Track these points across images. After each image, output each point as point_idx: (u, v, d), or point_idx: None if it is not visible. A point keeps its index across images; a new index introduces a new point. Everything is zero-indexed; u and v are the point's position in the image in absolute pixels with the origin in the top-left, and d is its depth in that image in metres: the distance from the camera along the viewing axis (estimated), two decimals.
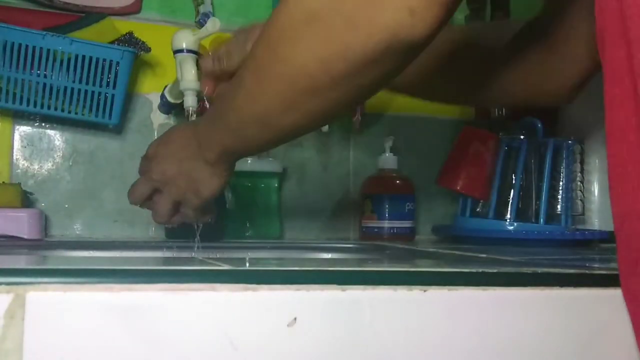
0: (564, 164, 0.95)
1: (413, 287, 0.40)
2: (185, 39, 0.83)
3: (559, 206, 0.94)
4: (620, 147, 0.40)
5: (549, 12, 0.67)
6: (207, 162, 0.61)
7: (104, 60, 0.89)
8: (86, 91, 0.90)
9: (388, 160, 1.03)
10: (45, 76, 0.88)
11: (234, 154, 0.61)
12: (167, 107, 0.97)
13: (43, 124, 0.95)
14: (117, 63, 0.90)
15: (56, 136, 0.96)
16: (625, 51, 0.38)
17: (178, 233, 0.92)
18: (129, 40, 0.95)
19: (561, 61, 0.66)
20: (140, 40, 0.95)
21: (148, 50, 0.96)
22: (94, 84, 0.90)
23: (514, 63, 0.68)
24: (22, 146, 0.95)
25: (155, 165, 0.66)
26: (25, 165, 0.95)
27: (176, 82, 0.87)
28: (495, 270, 0.44)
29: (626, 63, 0.38)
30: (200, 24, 1.00)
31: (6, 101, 0.88)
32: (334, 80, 0.45)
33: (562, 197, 0.94)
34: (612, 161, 0.40)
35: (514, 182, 0.95)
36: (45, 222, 0.87)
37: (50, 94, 0.89)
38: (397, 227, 1.00)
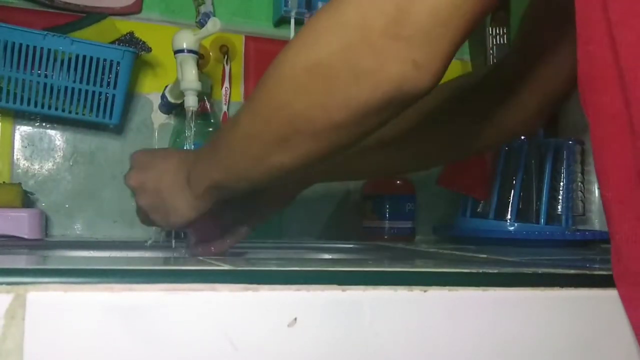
0: (564, 165, 0.95)
1: (413, 287, 0.40)
2: (186, 39, 0.83)
3: (559, 207, 0.94)
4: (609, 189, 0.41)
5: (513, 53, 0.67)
6: (191, 195, 0.60)
7: (105, 60, 0.89)
8: (87, 91, 0.90)
9: None
10: (46, 76, 0.88)
11: (223, 190, 0.59)
12: (167, 107, 0.97)
13: (44, 124, 0.96)
14: (118, 63, 0.90)
15: (57, 136, 0.96)
16: (610, 97, 0.39)
17: (179, 234, 0.92)
18: (129, 40, 0.95)
19: (522, 99, 0.66)
20: (141, 40, 0.95)
21: (149, 50, 0.96)
22: (94, 84, 0.90)
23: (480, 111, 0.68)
24: (22, 146, 0.95)
25: (136, 173, 0.64)
26: (26, 165, 0.95)
27: (177, 82, 0.87)
28: (495, 271, 0.44)
29: (619, 105, 0.39)
30: (201, 24, 1.00)
31: (7, 101, 0.88)
32: (335, 126, 0.46)
33: (562, 197, 0.94)
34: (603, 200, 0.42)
35: (514, 182, 0.95)
36: (45, 222, 0.87)
37: (51, 94, 0.89)
38: (397, 228, 1.00)
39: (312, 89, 0.45)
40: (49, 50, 0.87)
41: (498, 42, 1.11)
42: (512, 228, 0.92)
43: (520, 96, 0.65)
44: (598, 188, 1.00)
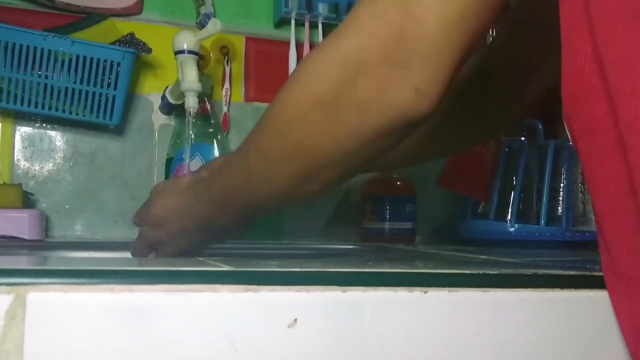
0: (565, 166, 0.95)
1: (414, 288, 0.40)
2: (186, 40, 0.83)
3: (559, 208, 0.94)
4: (599, 201, 0.41)
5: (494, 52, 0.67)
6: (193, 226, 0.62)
7: (105, 61, 0.89)
8: (87, 92, 0.90)
9: None
10: (46, 77, 0.88)
11: (212, 223, 0.61)
12: (168, 108, 0.97)
13: (44, 125, 0.96)
14: (118, 64, 0.90)
15: (57, 137, 0.96)
16: (607, 109, 0.39)
17: None
18: (130, 41, 0.95)
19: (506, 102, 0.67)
20: (141, 41, 0.95)
21: (149, 51, 0.96)
22: (95, 85, 0.90)
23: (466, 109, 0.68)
24: (23, 147, 0.95)
25: (156, 227, 0.64)
26: (26, 165, 0.95)
27: (177, 83, 0.87)
28: (496, 272, 0.44)
29: (607, 120, 0.39)
30: (202, 25, 1.00)
31: (7, 102, 0.88)
32: (347, 155, 0.47)
33: (563, 198, 0.94)
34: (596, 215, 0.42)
35: (514, 183, 0.95)
36: (45, 223, 0.87)
37: (51, 94, 0.89)
38: (397, 229, 1.00)
39: (322, 124, 0.46)
40: (50, 51, 0.87)
41: None
42: (513, 229, 0.92)
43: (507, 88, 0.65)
44: None
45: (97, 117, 0.92)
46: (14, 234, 0.80)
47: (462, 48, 0.43)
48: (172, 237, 0.62)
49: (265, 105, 1.06)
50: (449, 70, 0.43)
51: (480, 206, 0.98)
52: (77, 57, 0.88)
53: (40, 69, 0.87)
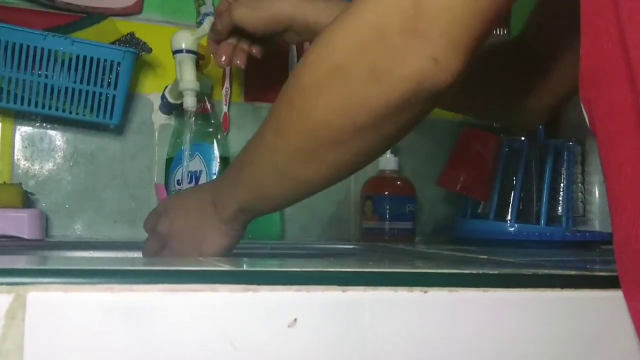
0: (565, 166, 0.95)
1: (414, 288, 0.40)
2: (184, 40, 0.83)
3: (559, 208, 0.94)
4: (616, 183, 0.40)
5: (531, 29, 0.67)
6: (220, 220, 0.58)
7: (105, 60, 0.89)
8: (87, 92, 0.90)
9: (389, 161, 1.03)
10: (46, 76, 0.88)
11: (251, 212, 0.58)
12: (168, 108, 0.97)
13: (44, 125, 0.96)
14: (118, 63, 0.90)
15: (57, 136, 0.96)
16: (628, 89, 0.38)
17: None
18: (130, 40, 0.95)
19: (545, 81, 0.66)
20: (141, 40, 0.95)
21: (149, 50, 0.96)
22: (95, 85, 0.90)
23: (504, 79, 0.68)
24: (23, 146, 0.95)
25: (164, 218, 0.63)
26: (26, 165, 0.95)
27: (176, 83, 0.87)
28: (496, 272, 0.44)
29: (629, 100, 0.38)
30: (202, 25, 1.00)
31: (7, 101, 0.88)
32: (358, 131, 0.45)
33: (562, 198, 0.94)
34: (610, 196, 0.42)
35: (514, 183, 0.95)
36: (45, 223, 0.87)
37: (52, 94, 0.89)
38: (397, 228, 1.00)
39: (332, 93, 0.45)
40: (50, 50, 0.87)
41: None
42: (512, 229, 0.92)
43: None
44: (598, 189, 1.00)
45: (97, 116, 0.92)
46: (14, 234, 0.80)
47: (484, 18, 0.41)
48: (180, 236, 0.61)
49: (265, 105, 1.06)
50: (470, 41, 0.42)
51: (480, 206, 0.98)
52: (77, 57, 0.88)
53: (40, 69, 0.87)
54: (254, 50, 0.76)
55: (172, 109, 0.97)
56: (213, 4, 1.03)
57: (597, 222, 1.01)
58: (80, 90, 0.89)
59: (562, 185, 0.94)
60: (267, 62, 1.07)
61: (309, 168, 0.49)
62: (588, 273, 0.46)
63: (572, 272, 0.46)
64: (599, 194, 1.00)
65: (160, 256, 0.63)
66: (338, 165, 0.49)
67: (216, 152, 0.93)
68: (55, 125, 0.96)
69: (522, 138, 0.95)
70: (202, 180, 0.92)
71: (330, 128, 0.46)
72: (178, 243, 0.62)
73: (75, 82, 0.89)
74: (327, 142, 0.47)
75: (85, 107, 0.91)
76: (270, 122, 0.51)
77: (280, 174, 0.51)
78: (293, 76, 0.48)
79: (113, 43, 0.93)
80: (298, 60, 1.04)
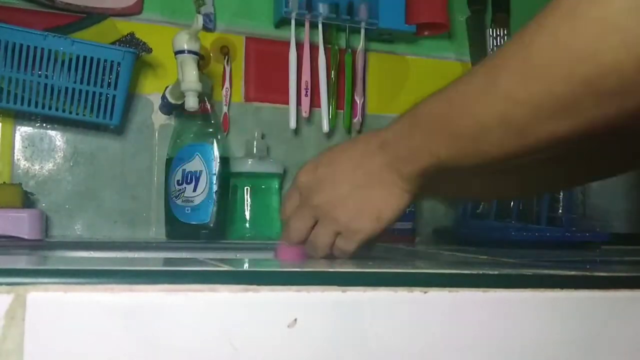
0: None
1: (414, 288, 0.40)
2: (187, 40, 0.83)
3: (560, 208, 0.94)
4: None
5: None
6: (400, 177, 0.50)
7: (105, 61, 0.89)
8: (87, 92, 0.90)
9: None
10: (46, 77, 0.88)
11: (441, 171, 0.49)
12: (168, 108, 0.97)
13: (44, 125, 0.96)
14: (119, 64, 0.90)
15: (57, 137, 0.96)
16: None
17: (179, 234, 0.93)
18: (130, 41, 0.95)
19: None
20: (141, 41, 0.95)
21: (149, 51, 0.96)
22: (95, 85, 0.90)
23: None
24: (23, 147, 0.95)
25: (317, 191, 0.54)
26: (26, 165, 0.95)
27: (177, 83, 0.87)
28: (496, 272, 0.44)
29: None
30: (202, 25, 1.00)
31: (7, 102, 0.88)
32: (635, 82, 0.38)
33: (563, 199, 0.94)
34: None
35: None
36: (45, 223, 0.87)
37: (52, 94, 0.89)
38: (397, 229, 1.00)
39: (629, 31, 0.36)
40: (50, 50, 0.87)
41: (499, 43, 1.11)
42: (513, 229, 0.92)
43: None
44: (598, 189, 1.00)
45: (97, 117, 0.92)
46: (14, 234, 0.80)
47: None
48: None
49: (265, 105, 1.06)
50: None
51: (480, 206, 0.98)
52: (77, 57, 0.88)
53: (40, 69, 0.87)
54: None
55: (172, 109, 0.97)
56: (213, 4, 1.03)
57: (598, 222, 1.01)
58: (80, 91, 0.89)
59: None
60: (267, 62, 1.07)
61: (557, 126, 0.41)
62: (588, 273, 0.46)
63: (572, 272, 0.46)
64: (600, 194, 1.00)
65: (317, 235, 0.56)
66: (589, 126, 0.41)
67: (216, 152, 0.93)
68: (55, 126, 0.96)
69: None
70: (202, 180, 0.92)
71: (614, 76, 0.38)
72: (343, 215, 0.53)
73: (75, 82, 0.89)
74: (599, 94, 0.39)
75: (85, 107, 0.91)
76: (509, 67, 0.42)
77: (515, 129, 0.43)
78: (561, 14, 0.40)
79: (113, 43, 0.93)
80: (299, 61, 1.04)
